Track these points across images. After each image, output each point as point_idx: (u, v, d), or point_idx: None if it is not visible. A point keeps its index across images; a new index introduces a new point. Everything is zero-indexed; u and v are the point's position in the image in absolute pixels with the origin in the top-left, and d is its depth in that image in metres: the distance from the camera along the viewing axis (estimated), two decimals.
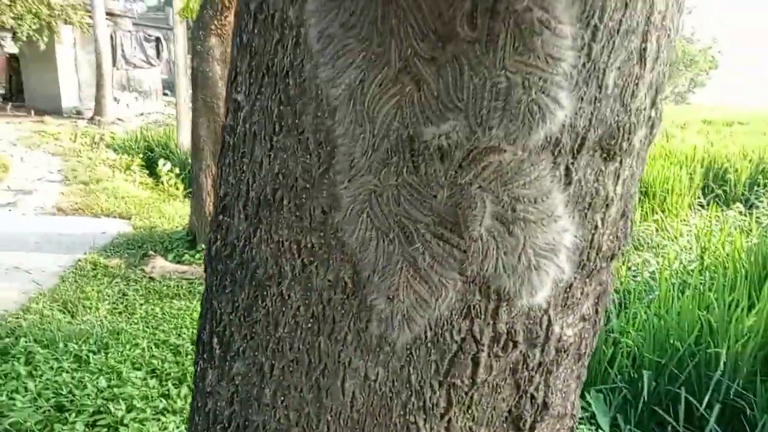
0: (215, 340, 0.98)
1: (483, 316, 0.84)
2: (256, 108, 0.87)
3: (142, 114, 18.89)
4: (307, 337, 0.88)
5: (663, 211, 9.63)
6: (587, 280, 0.91)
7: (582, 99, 0.75)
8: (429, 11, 0.70)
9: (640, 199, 9.81)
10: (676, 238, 7.50)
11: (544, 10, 0.65)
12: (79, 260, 6.52)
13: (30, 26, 15.43)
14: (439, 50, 0.73)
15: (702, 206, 10.03)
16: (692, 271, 5.54)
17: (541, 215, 0.78)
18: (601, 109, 0.77)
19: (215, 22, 6.23)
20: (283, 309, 0.88)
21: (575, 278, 0.89)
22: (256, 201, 0.88)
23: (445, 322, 0.84)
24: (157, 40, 19.59)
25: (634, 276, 5.82)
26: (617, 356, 3.93)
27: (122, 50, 18.05)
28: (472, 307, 0.84)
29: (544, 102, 0.70)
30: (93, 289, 5.52)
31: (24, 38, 15.66)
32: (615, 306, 4.86)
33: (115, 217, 8.66)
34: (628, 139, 0.81)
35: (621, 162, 0.84)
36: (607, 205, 0.86)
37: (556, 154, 0.77)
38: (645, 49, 0.77)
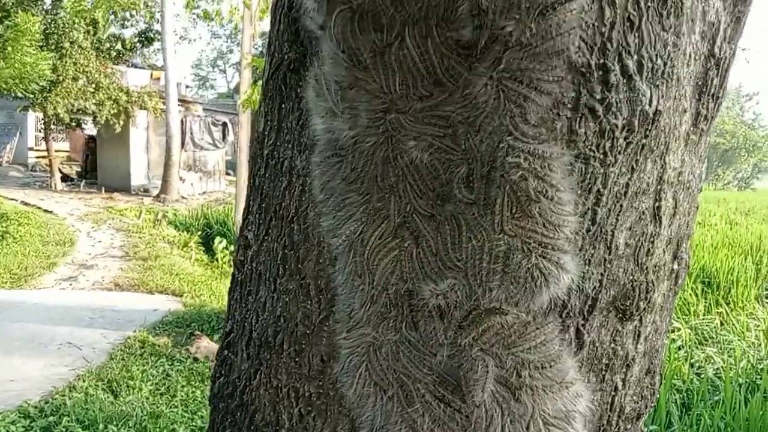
0: None
1: None
2: (263, 249, 0.87)
3: (204, 193, 19.80)
4: None
5: (728, 304, 9.06)
6: None
7: (589, 261, 0.71)
8: (426, 172, 0.70)
9: (703, 290, 9.30)
10: (742, 333, 7.00)
11: (541, 179, 0.63)
12: (129, 337, 6.65)
13: (109, 111, 16.73)
14: (438, 208, 0.71)
15: None
16: (761, 370, 5.11)
17: (549, 382, 0.72)
18: (613, 270, 0.72)
19: None
20: None
21: None
22: (258, 342, 0.86)
23: None
24: (224, 124, 20.81)
25: (697, 373, 5.42)
26: None
27: (191, 133, 19.24)
28: None
29: (546, 266, 0.67)
30: (138, 369, 5.59)
31: (102, 121, 16.95)
32: (677, 407, 4.50)
33: (168, 293, 8.89)
34: (647, 297, 0.76)
35: (641, 320, 0.79)
36: (627, 365, 0.80)
37: (564, 316, 0.72)
38: (659, 208, 0.73)
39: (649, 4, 0.62)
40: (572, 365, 0.74)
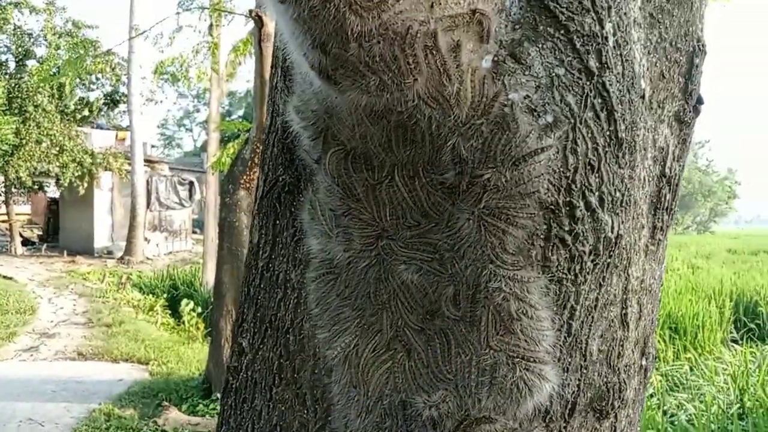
0: None
1: None
2: (258, 357, 0.91)
3: (170, 253, 19.49)
4: None
5: (695, 348, 9.23)
6: None
7: (567, 369, 0.77)
8: (416, 291, 0.76)
9: (671, 336, 9.47)
10: (711, 377, 7.13)
11: (521, 300, 0.70)
12: (94, 410, 6.38)
13: (73, 173, 16.54)
14: (428, 322, 0.77)
15: (736, 342, 9.60)
16: (732, 415, 5.20)
17: None
18: (588, 375, 0.79)
19: (244, 177, 6.61)
20: None
21: None
22: None
23: None
24: (191, 183, 20.73)
25: (671, 421, 5.47)
26: None
27: (157, 193, 19.09)
28: None
29: (529, 378, 0.73)
30: None
31: (66, 184, 16.72)
32: None
33: (133, 361, 8.61)
34: (620, 396, 0.83)
35: (616, 416, 0.85)
36: None
37: (547, 421, 0.78)
38: (626, 315, 0.81)
39: (606, 149, 0.71)
40: None
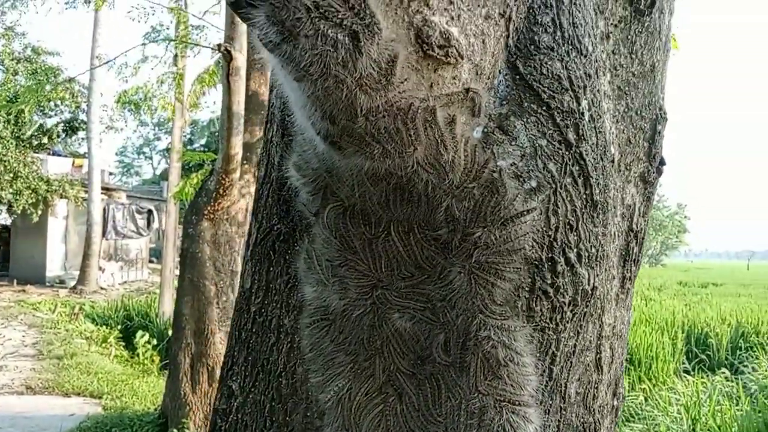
0: None
1: None
2: (249, 400, 0.94)
3: (125, 282, 18.95)
4: None
5: (649, 379, 9.45)
6: None
7: (548, 411, 0.83)
8: (409, 337, 0.81)
9: (626, 367, 9.67)
10: (665, 408, 7.31)
11: (507, 348, 0.76)
12: None
13: (27, 200, 16.02)
14: (419, 367, 0.82)
15: (687, 372, 9.88)
16: None
17: None
18: (567, 416, 0.85)
19: (208, 208, 6.55)
20: None
21: None
22: None
23: None
24: (149, 211, 20.32)
25: None
26: None
27: (113, 222, 18.62)
28: None
29: (515, 420, 0.78)
30: None
31: (18, 211, 16.16)
32: None
33: (85, 395, 8.27)
34: None
35: None
36: None
37: None
38: (600, 359, 0.88)
39: (583, 210, 0.79)
40: None
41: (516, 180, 0.74)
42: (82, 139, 19.40)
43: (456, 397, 0.79)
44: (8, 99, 12.15)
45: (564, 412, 0.85)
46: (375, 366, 0.84)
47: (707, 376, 8.58)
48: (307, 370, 0.89)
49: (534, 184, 0.75)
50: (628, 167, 0.90)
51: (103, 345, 11.45)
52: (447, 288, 0.78)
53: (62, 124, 18.31)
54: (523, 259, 0.76)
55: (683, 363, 10.28)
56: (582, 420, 0.87)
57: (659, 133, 0.95)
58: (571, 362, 0.84)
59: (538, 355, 0.81)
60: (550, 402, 0.83)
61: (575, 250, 0.79)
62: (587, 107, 0.77)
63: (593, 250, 0.81)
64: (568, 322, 0.82)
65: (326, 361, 0.87)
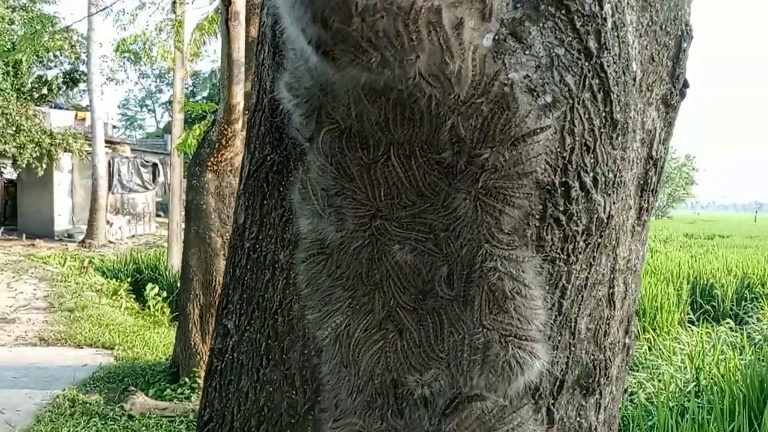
0: None
1: None
2: (245, 339, 0.90)
3: (133, 236, 19.07)
4: None
5: (654, 329, 9.54)
6: None
7: (557, 347, 0.79)
8: (410, 271, 0.76)
9: None
10: (669, 357, 7.38)
11: (515, 280, 0.71)
12: (57, 397, 6.25)
13: (31, 154, 15.97)
14: (420, 302, 0.77)
15: (692, 323, 9.95)
16: (689, 393, 5.41)
17: None
18: (576, 352, 0.81)
19: (211, 159, 6.48)
20: None
21: None
22: None
23: None
24: (154, 165, 20.23)
25: (630, 399, 5.66)
26: None
27: (119, 175, 18.58)
28: None
29: (521, 356, 0.74)
30: (68, 431, 5.25)
31: (24, 165, 16.15)
32: None
33: (97, 347, 8.43)
34: (606, 374, 0.85)
35: (601, 393, 0.87)
36: None
37: (537, 398, 0.79)
38: (613, 294, 0.83)
39: (602, 130, 0.72)
40: None
41: (529, 94, 0.67)
42: (83, 91, 19.17)
43: (459, 332, 0.75)
44: (5, 49, 11.93)
45: (573, 349, 0.80)
46: (374, 301, 0.79)
47: (712, 326, 8.63)
48: (304, 307, 0.84)
49: (549, 99, 0.67)
50: (650, 88, 0.82)
51: (114, 297, 11.61)
52: (451, 216, 0.72)
53: (62, 76, 18.06)
54: (535, 183, 0.70)
55: (688, 314, 10.33)
56: (592, 357, 0.83)
57: (684, 51, 0.86)
58: (583, 296, 0.79)
59: (547, 287, 0.76)
60: (559, 337, 0.78)
61: (591, 174, 0.72)
62: (610, 12, 0.69)
63: (611, 174, 0.74)
64: (580, 253, 0.76)
65: (323, 297, 0.82)
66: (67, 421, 5.62)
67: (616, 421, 0.95)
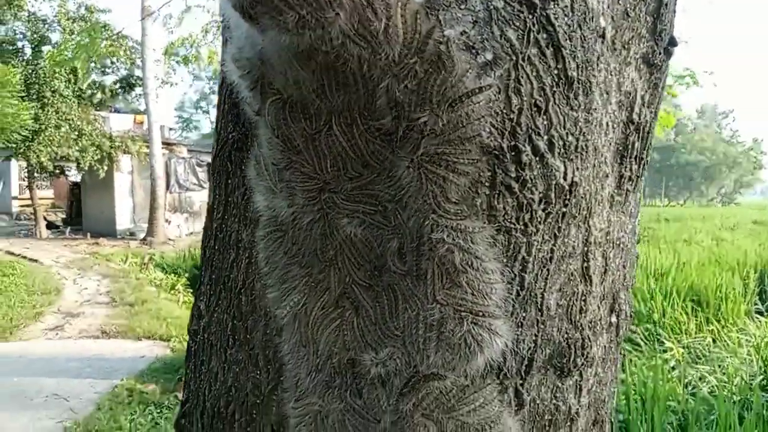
0: None
1: None
2: (214, 320, 0.89)
3: (191, 233, 19.73)
4: None
5: (718, 321, 9.08)
6: None
7: (522, 324, 0.74)
8: (362, 246, 0.73)
9: (693, 308, 9.32)
10: (735, 350, 7.01)
11: (465, 252, 0.67)
12: (116, 386, 6.53)
13: (92, 157, 16.76)
14: (376, 278, 0.74)
15: (760, 313, 9.41)
16: (755, 387, 5.11)
17: None
18: (546, 330, 0.75)
19: None
20: None
21: None
22: (211, 412, 0.88)
23: None
24: (209, 164, 20.82)
25: (692, 393, 5.41)
26: None
27: (176, 175, 19.27)
28: None
29: (478, 332, 0.70)
30: (126, 418, 5.48)
31: (86, 168, 16.96)
32: (673, 428, 4.49)
33: (155, 339, 8.76)
34: (583, 353, 0.79)
35: (581, 374, 0.81)
36: (572, 419, 0.82)
37: (501, 378, 0.75)
38: (588, 268, 0.77)
39: (554, 89, 0.66)
40: (513, 424, 0.76)
41: (467, 52, 0.62)
42: (139, 95, 19.94)
43: (413, 309, 0.71)
44: (67, 58, 12.57)
45: (542, 326, 0.75)
46: (330, 278, 0.76)
47: None
48: (264, 286, 0.82)
49: (489, 56, 0.63)
50: (626, 46, 0.76)
51: (172, 292, 12.05)
52: (396, 186, 0.68)
53: (119, 81, 18.85)
54: (480, 148, 0.65)
55: (755, 304, 9.78)
56: (566, 335, 0.77)
57: (666, 5, 0.79)
58: (548, 270, 0.73)
59: (504, 260, 0.71)
60: (524, 314, 0.73)
61: (545, 137, 0.67)
62: None
63: (570, 138, 0.69)
64: (540, 223, 0.71)
65: (281, 275, 0.80)
66: (124, 410, 5.88)
67: (606, 406, 0.88)
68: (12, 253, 14.62)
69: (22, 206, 21.93)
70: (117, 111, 20.20)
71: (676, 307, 8.57)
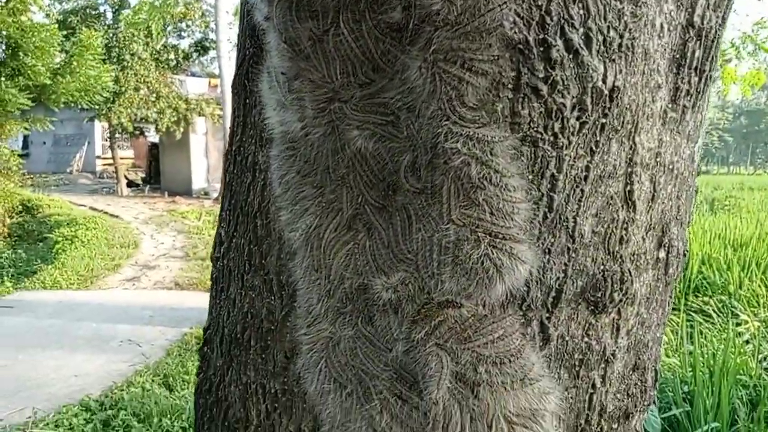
0: None
1: None
2: (233, 245, 0.87)
3: None
4: None
5: None
6: None
7: (549, 251, 0.66)
8: (374, 162, 0.67)
9: None
10: None
11: (483, 164, 0.60)
12: (186, 334, 6.88)
13: (170, 119, 17.42)
14: (390, 199, 0.68)
15: None
16: None
17: (510, 378, 0.68)
18: (578, 259, 0.67)
19: None
20: None
21: None
22: (229, 338, 0.86)
23: None
24: None
25: (766, 369, 5.09)
26: None
27: None
28: None
29: (497, 256, 0.63)
30: (193, 364, 5.77)
31: (164, 129, 17.66)
32: (743, 403, 4.25)
33: None
34: (622, 288, 0.70)
35: (619, 312, 0.73)
36: (607, 361, 0.74)
37: (525, 309, 0.68)
38: (631, 192, 0.68)
39: None
40: (537, 361, 0.69)
41: None
42: (213, 58, 20.44)
43: (427, 230, 0.65)
44: (141, 20, 13.01)
45: (573, 254, 0.67)
46: (342, 198, 0.71)
47: None
48: (279, 209, 0.78)
49: None
50: None
51: None
52: (408, 92, 0.61)
53: (195, 45, 19.35)
54: (502, 41, 0.57)
55: None
56: (602, 267, 0.69)
57: None
58: (583, 190, 0.65)
59: (530, 177, 0.63)
60: (552, 240, 0.65)
61: (581, 29, 0.57)
62: None
63: (612, 33, 0.59)
64: (573, 134, 0.62)
65: (294, 196, 0.76)
66: (192, 356, 6.18)
67: (650, 352, 0.80)
68: (95, 209, 15.57)
69: (104, 165, 23.24)
70: (193, 75, 20.82)
71: (755, 279, 8.03)
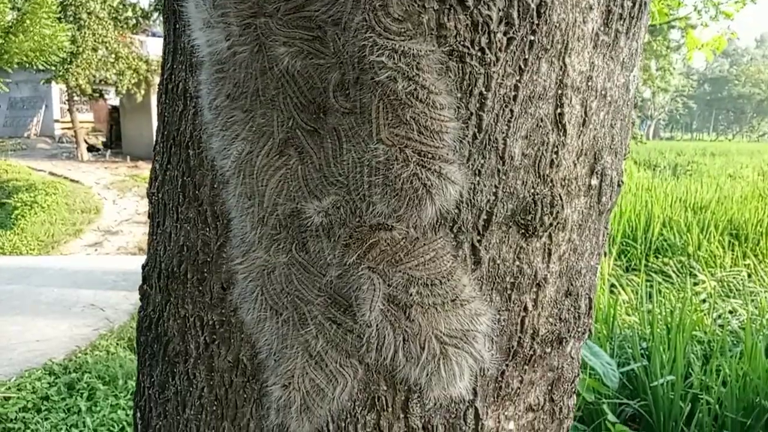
0: (138, 414, 0.94)
1: (391, 409, 0.75)
2: (167, 178, 0.85)
3: None
4: (212, 421, 0.82)
5: (756, 256, 8.82)
6: (526, 367, 0.80)
7: (480, 172, 0.66)
8: (303, 81, 0.65)
9: (730, 242, 9.06)
10: None
11: (410, 80, 0.59)
12: None
13: (130, 81, 16.87)
14: (321, 121, 0.67)
15: None
16: None
17: (441, 299, 0.69)
18: (509, 181, 0.68)
19: None
20: (190, 389, 0.84)
21: (506, 366, 0.78)
22: (166, 273, 0.85)
23: (348, 415, 0.75)
24: None
25: (721, 325, 5.32)
26: (696, 414, 3.54)
27: None
28: (377, 399, 0.75)
29: (426, 176, 0.63)
30: None
31: (124, 91, 17.11)
32: (697, 357, 4.45)
33: None
34: (552, 212, 0.71)
35: (550, 237, 0.74)
36: (538, 285, 0.75)
37: (456, 231, 0.68)
38: (561, 115, 0.68)
39: None
40: (469, 283, 0.70)
41: None
42: None
43: (357, 151, 0.64)
44: None
45: (503, 177, 0.67)
46: (273, 122, 0.69)
47: None
48: (210, 136, 0.76)
49: None
50: None
51: None
52: (334, 3, 0.60)
53: (155, 3, 18.65)
54: None
55: None
56: (533, 190, 0.69)
57: None
58: (512, 110, 0.64)
59: (459, 95, 0.62)
60: (482, 161, 0.65)
61: None
62: None
63: None
64: (500, 50, 0.61)
65: (224, 122, 0.74)
66: None
67: (583, 278, 0.81)
68: (55, 174, 15.12)
69: (63, 129, 22.48)
70: (154, 35, 20.12)
71: (713, 240, 8.31)
